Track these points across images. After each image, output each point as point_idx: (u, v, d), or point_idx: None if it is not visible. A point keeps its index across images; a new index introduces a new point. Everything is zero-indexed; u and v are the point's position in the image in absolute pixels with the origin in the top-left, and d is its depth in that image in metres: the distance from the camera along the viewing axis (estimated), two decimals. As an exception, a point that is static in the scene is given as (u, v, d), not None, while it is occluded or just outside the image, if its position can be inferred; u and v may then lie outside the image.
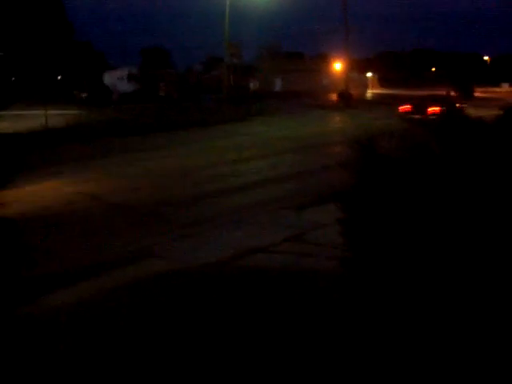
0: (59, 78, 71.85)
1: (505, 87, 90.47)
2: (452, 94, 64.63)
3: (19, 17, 55.68)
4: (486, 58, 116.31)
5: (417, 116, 26.05)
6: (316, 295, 6.56)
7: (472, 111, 6.48)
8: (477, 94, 65.46)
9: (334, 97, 60.39)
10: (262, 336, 5.66)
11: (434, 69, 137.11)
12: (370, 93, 78.93)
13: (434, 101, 28.09)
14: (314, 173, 15.70)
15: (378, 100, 60.58)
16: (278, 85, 77.90)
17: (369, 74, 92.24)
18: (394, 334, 4.36)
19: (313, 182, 14.32)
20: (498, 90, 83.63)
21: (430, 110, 26.04)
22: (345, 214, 4.81)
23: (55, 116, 30.60)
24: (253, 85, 77.35)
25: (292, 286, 7.09)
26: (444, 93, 63.93)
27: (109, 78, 74.47)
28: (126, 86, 70.66)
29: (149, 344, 5.65)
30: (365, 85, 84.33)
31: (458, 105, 23.13)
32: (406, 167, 4.50)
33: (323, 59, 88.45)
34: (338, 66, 71.11)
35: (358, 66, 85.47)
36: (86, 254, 8.93)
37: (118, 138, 25.29)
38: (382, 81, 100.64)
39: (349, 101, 49.44)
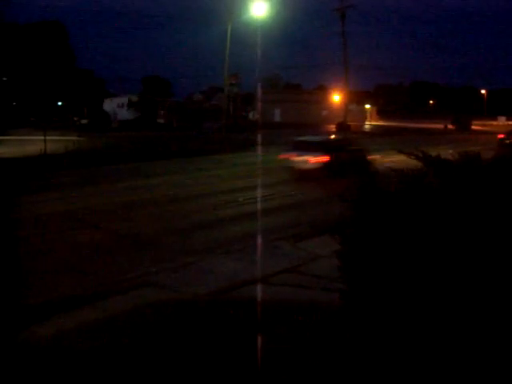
0: (60, 103, 72.37)
1: (501, 120, 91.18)
2: (449, 126, 65.16)
3: (22, 43, 56.32)
4: (483, 91, 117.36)
5: None
6: (311, 328, 6.46)
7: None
8: (474, 127, 65.94)
9: (332, 128, 60.72)
10: (253, 368, 5.55)
11: (431, 102, 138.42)
12: (368, 124, 79.46)
13: None
14: (312, 204, 15.61)
15: (376, 131, 60.86)
16: (277, 115, 78.45)
17: (367, 106, 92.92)
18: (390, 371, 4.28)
19: (309, 214, 14.21)
20: (494, 123, 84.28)
21: None
22: (343, 246, 4.74)
23: (55, 142, 30.63)
24: (252, 115, 77.93)
25: (287, 317, 6.98)
26: (442, 126, 64.54)
27: (109, 105, 75.04)
28: (125, 113, 71.10)
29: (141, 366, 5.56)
30: (363, 116, 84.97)
31: None
32: (405, 201, 4.46)
33: (322, 91, 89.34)
34: (336, 97, 71.64)
35: (356, 98, 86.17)
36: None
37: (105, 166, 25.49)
38: (381, 113, 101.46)
39: (347, 132, 49.71)
